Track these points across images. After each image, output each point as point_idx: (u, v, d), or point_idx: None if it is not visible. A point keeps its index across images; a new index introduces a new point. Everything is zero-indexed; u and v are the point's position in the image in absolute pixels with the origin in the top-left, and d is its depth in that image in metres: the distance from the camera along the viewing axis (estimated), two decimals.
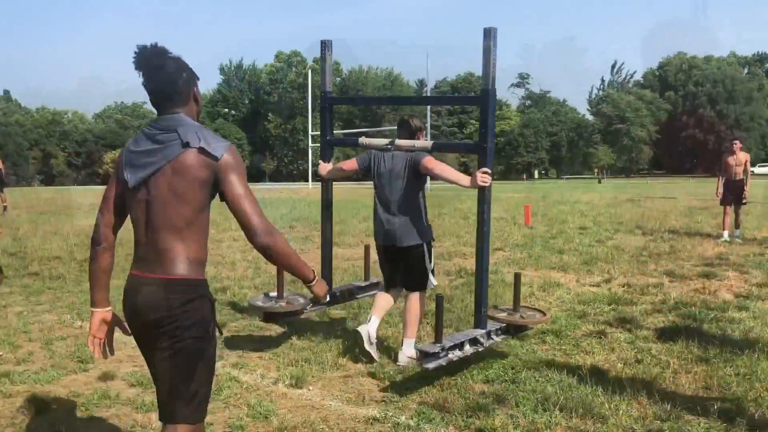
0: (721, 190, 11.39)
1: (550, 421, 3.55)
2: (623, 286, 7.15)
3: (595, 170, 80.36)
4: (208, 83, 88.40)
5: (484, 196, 4.20)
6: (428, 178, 4.65)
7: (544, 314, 4.73)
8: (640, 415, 3.63)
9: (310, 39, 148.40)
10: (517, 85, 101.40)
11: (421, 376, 4.22)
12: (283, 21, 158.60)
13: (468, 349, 4.16)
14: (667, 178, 73.94)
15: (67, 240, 10.76)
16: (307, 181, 44.07)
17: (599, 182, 52.10)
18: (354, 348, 4.77)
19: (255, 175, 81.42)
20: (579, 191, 30.33)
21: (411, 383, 4.13)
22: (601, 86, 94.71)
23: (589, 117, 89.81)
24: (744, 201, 11.37)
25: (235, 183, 2.21)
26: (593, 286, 7.28)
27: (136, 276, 2.26)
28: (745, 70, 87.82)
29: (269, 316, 4.92)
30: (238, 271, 8.17)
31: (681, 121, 77.40)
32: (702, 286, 7.20)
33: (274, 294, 4.89)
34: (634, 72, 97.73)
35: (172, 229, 2.21)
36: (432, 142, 4.64)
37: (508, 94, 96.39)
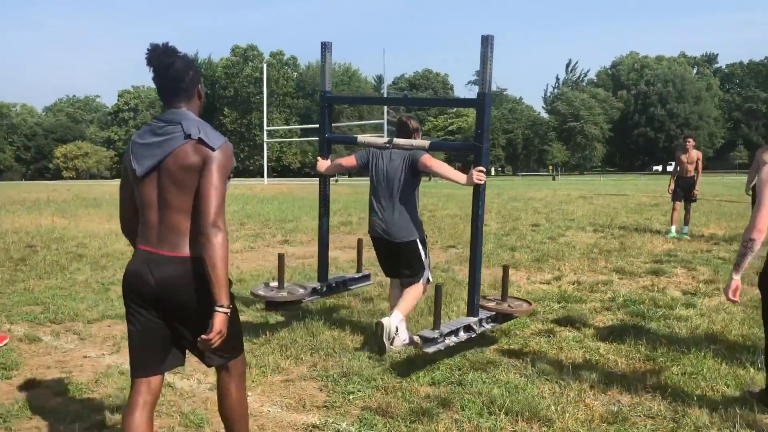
0: (672, 186, 11.56)
1: (495, 426, 3.44)
2: (573, 284, 7.13)
3: (550, 167, 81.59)
4: None
5: (478, 192, 4.41)
6: (421, 176, 4.83)
7: (530, 304, 5.06)
8: (587, 417, 3.56)
9: (268, 32, 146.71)
10: (475, 83, 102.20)
11: (365, 378, 4.09)
12: (240, 13, 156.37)
13: (462, 335, 4.41)
14: (619, 175, 75.45)
15: (4, 238, 10.30)
16: (263, 176, 43.46)
17: (554, 179, 52.86)
18: (297, 351, 4.62)
19: None
20: (534, 188, 30.66)
21: (354, 387, 3.99)
22: (556, 84, 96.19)
23: (545, 115, 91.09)
24: (694, 198, 11.55)
25: (213, 173, 2.40)
26: (543, 283, 7.25)
27: (149, 252, 2.49)
28: (695, 71, 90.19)
29: (271, 305, 5.09)
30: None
31: (633, 120, 79.07)
32: (651, 283, 7.24)
33: (274, 284, 5.02)
34: (588, 70, 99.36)
35: (179, 211, 2.45)
36: (429, 141, 4.76)
37: (465, 91, 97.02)
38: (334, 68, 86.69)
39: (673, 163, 11.60)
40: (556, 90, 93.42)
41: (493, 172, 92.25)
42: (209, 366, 2.67)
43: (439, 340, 4.16)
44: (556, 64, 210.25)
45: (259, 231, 11.61)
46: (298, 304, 5.22)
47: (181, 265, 2.46)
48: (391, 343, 4.55)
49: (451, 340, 4.28)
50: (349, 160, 4.96)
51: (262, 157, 78.77)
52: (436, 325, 4.20)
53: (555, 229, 11.92)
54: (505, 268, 4.98)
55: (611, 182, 42.38)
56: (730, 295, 3.47)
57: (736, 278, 3.46)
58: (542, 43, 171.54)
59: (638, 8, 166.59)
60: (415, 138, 4.79)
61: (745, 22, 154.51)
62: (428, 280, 4.84)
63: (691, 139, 11.74)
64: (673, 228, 11.35)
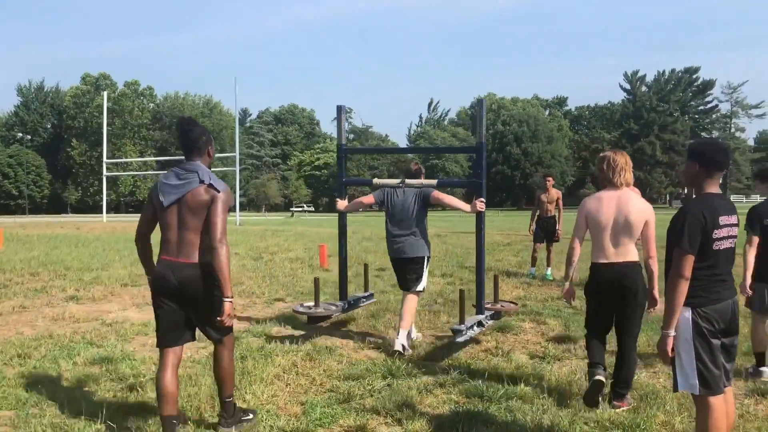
0: (533, 226, 10.95)
1: None
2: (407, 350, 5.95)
3: None
4: (2, 105, 79.34)
5: (481, 217, 6.03)
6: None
7: (515, 304, 6.98)
8: None
9: (120, 62, 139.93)
10: None
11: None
12: (91, 42, 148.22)
13: (476, 329, 5.90)
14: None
15: None
16: (100, 213, 39.89)
17: (291, 216, 53.04)
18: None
19: (57, 206, 73.90)
20: None
21: None
22: (419, 123, 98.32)
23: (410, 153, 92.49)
24: (557, 238, 10.98)
25: (219, 208, 3.70)
26: (372, 349, 6.01)
27: (171, 261, 3.72)
28: (547, 112, 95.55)
29: (312, 320, 6.46)
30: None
31: (491, 158, 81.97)
32: (495, 344, 6.20)
33: (308, 303, 6.53)
34: (449, 110, 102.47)
35: (193, 231, 3.71)
36: (437, 180, 6.23)
37: (332, 127, 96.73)
38: (193, 100, 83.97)
39: (535, 203, 11.00)
40: (419, 128, 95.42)
41: (360, 209, 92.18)
42: (210, 339, 3.91)
43: (465, 332, 5.55)
44: (419, 103, 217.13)
45: (47, 283, 9.57)
46: (330, 317, 6.63)
47: (193, 269, 3.71)
48: (404, 350, 5.70)
49: (473, 332, 5.79)
50: (369, 199, 6.23)
51: (114, 192, 74.09)
52: (462, 320, 5.66)
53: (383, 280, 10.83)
54: (496, 278, 6.96)
55: (469, 219, 42.93)
56: (567, 298, 4.86)
57: (567, 283, 4.82)
58: (406, 80, 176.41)
59: (495, 51, 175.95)
60: (420, 178, 6.21)
61: (591, 69, 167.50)
62: (423, 289, 6.17)
63: (550, 178, 11.22)
64: (533, 269, 10.72)
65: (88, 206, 73.54)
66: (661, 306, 3.84)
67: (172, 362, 3.79)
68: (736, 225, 3.33)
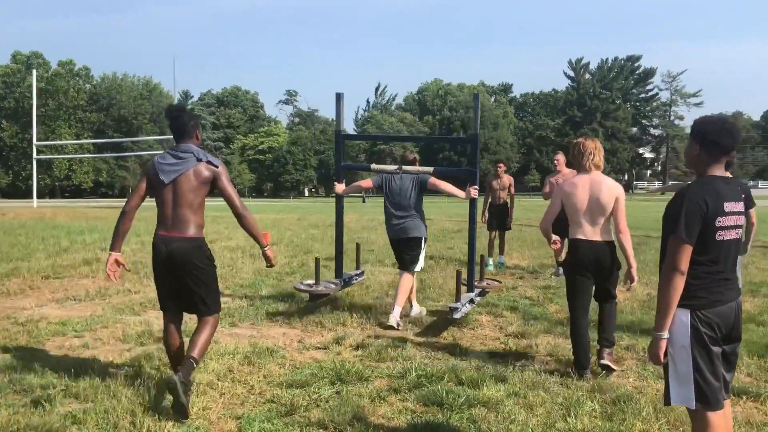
0: (486, 215, 10.53)
1: None
2: (356, 349, 5.42)
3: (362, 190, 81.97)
4: None
5: (473, 204, 6.59)
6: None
7: (500, 282, 7.44)
8: None
9: (54, 41, 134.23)
10: (286, 102, 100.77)
11: None
12: (23, 19, 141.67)
13: (469, 306, 6.25)
14: (428, 197, 77.58)
15: None
16: (31, 198, 37.95)
17: (364, 201, 52.43)
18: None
19: None
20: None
21: None
22: (367, 108, 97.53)
23: None
24: (508, 226, 10.60)
25: (226, 183, 4.13)
26: (319, 348, 5.47)
27: (165, 235, 4.04)
28: (492, 99, 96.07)
29: (313, 297, 6.86)
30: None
31: (438, 144, 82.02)
32: (452, 340, 5.75)
33: (309, 281, 6.89)
34: (396, 95, 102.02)
35: (188, 208, 4.04)
36: (433, 168, 6.48)
37: (276, 111, 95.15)
38: (132, 81, 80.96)
39: (486, 190, 10.53)
40: (366, 112, 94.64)
41: (306, 193, 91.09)
42: (196, 313, 4.22)
43: (461, 309, 5.82)
44: (366, 87, 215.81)
45: None
46: (329, 295, 6.98)
47: (184, 242, 4.03)
48: (397, 326, 6.05)
49: (466, 308, 6.08)
50: (367, 183, 6.55)
51: (48, 176, 70.82)
52: (458, 298, 5.98)
53: (349, 264, 10.27)
54: (482, 258, 7.27)
55: (434, 203, 42.62)
56: (552, 245, 5.24)
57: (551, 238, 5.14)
58: (354, 65, 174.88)
59: (442, 37, 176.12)
60: (416, 165, 6.65)
61: (535, 58, 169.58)
62: (420, 269, 6.55)
63: (501, 164, 10.81)
64: (490, 260, 10.32)
65: (21, 191, 70.11)
66: (637, 283, 4.88)
67: (173, 324, 4.27)
68: (743, 213, 2.91)
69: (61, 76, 73.32)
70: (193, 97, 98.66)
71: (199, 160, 4.06)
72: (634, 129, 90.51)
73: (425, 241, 6.45)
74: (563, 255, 9.85)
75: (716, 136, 2.83)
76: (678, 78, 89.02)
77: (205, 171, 4.06)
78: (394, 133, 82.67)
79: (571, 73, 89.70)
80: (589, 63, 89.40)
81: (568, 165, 10.14)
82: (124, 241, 4.30)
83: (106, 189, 74.43)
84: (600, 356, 4.86)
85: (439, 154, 79.64)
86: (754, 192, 6.76)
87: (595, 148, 4.91)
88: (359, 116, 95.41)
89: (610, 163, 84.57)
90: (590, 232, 4.83)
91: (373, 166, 6.87)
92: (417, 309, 6.71)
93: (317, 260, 6.87)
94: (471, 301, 6.30)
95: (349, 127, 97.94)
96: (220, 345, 5.41)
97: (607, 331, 4.94)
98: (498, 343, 5.73)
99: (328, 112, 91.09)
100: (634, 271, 4.81)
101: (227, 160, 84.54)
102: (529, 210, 28.47)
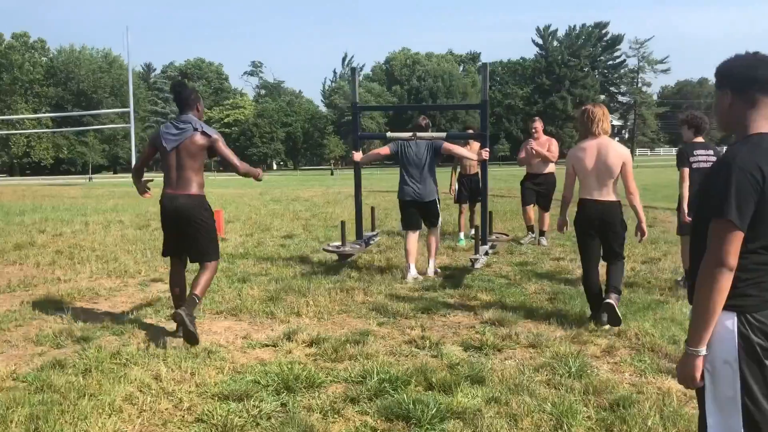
0: (455, 185, 9.81)
1: None
2: (310, 346, 4.68)
3: (331, 161, 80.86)
4: None
5: (485, 166, 7.75)
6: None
7: (507, 235, 8.81)
8: None
9: (8, 12, 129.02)
10: (251, 73, 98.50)
11: None
12: None
13: (485, 257, 7.17)
14: (396, 168, 76.77)
15: None
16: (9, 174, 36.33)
17: (332, 174, 51.45)
18: None
19: None
20: (307, 185, 28.51)
21: None
22: (334, 78, 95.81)
23: (323, 108, 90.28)
24: (479, 198, 9.90)
25: (223, 148, 4.84)
26: (266, 346, 4.71)
27: (171, 193, 4.78)
28: (461, 68, 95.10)
29: (342, 257, 7.53)
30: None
31: (407, 114, 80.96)
32: (420, 331, 5.03)
33: (335, 243, 7.60)
34: (363, 65, 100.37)
35: (190, 170, 4.75)
36: (446, 134, 7.82)
37: (241, 82, 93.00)
38: (90, 54, 78.01)
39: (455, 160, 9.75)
40: (333, 83, 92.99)
41: (274, 167, 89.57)
42: (197, 260, 4.96)
43: (481, 259, 6.88)
44: (333, 58, 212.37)
45: None
46: (353, 255, 7.69)
47: (187, 199, 4.75)
48: (432, 275, 7.01)
49: (486, 257, 7.21)
50: (384, 150, 7.20)
51: (5, 154, 68.21)
52: (477, 250, 7.03)
53: (310, 242, 9.51)
54: (490, 214, 7.90)
55: (388, 176, 41.63)
56: (561, 228, 5.68)
57: (562, 218, 5.62)
58: (320, 36, 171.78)
59: (409, 5, 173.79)
60: (428, 131, 7.45)
61: (504, 25, 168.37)
62: (441, 221, 7.37)
63: (472, 129, 10.09)
64: (461, 234, 9.63)
65: None
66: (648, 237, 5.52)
67: (177, 267, 5.01)
68: None
69: (15, 49, 70.38)
70: (155, 69, 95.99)
71: (195, 129, 4.77)
72: (602, 96, 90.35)
73: (439, 201, 7.18)
74: (546, 224, 9.38)
75: (750, 70, 2.08)
76: (645, 44, 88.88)
77: (201, 140, 4.78)
78: (361, 104, 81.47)
79: (540, 41, 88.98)
80: (557, 30, 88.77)
81: (546, 132, 9.59)
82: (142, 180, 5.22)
83: (67, 165, 72.01)
84: (606, 297, 5.10)
85: (408, 124, 78.65)
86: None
87: (603, 114, 5.26)
88: (327, 87, 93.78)
89: (578, 131, 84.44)
90: (597, 193, 5.18)
91: (390, 134, 7.67)
92: (433, 268, 7.13)
93: (342, 224, 7.73)
94: (486, 253, 7.22)
95: (316, 99, 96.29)
96: (149, 347, 4.62)
97: (615, 280, 5.20)
98: (473, 333, 5.04)
99: (294, 83, 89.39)
100: (644, 226, 5.25)
101: None
102: (501, 180, 27.90)
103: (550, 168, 9.58)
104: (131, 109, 27.18)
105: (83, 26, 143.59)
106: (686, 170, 6.26)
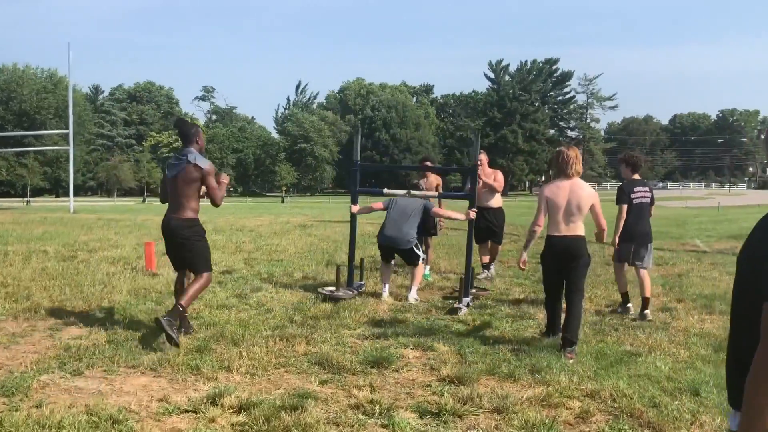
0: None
1: None
2: (238, 412, 3.95)
3: (283, 189, 79.80)
4: None
5: (471, 223, 7.57)
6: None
7: (486, 290, 8.14)
8: None
9: None
10: (202, 98, 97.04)
11: None
12: None
13: (465, 309, 6.92)
14: (349, 197, 76.19)
15: None
16: None
17: (282, 201, 50.51)
18: None
19: None
20: (256, 213, 27.58)
21: None
22: (287, 106, 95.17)
23: (276, 135, 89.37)
24: (433, 231, 9.37)
25: (210, 181, 5.45)
26: (186, 412, 3.96)
27: (168, 215, 5.52)
28: (414, 99, 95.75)
29: (333, 299, 7.17)
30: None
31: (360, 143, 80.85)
32: (369, 392, 4.35)
33: (330, 288, 7.57)
34: (317, 93, 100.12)
35: (185, 197, 5.43)
36: (438, 194, 8.53)
37: (192, 107, 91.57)
38: (34, 73, 75.48)
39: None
40: (286, 110, 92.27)
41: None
42: (191, 271, 5.73)
43: (463, 309, 6.80)
44: (287, 85, 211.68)
45: None
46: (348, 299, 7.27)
47: (180, 221, 5.48)
48: (413, 301, 7.28)
49: (465, 310, 6.85)
50: (378, 205, 7.93)
51: None
52: (460, 300, 7.02)
53: (251, 278, 8.72)
54: (472, 269, 7.71)
55: (340, 205, 41.03)
56: (521, 265, 5.90)
57: (525, 253, 5.86)
58: (274, 62, 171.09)
59: (364, 37, 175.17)
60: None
61: (456, 60, 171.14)
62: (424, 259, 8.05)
63: (428, 162, 9.63)
64: (427, 268, 9.10)
65: None
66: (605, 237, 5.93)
67: (181, 277, 5.83)
68: None
69: None
70: (103, 92, 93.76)
71: (188, 162, 5.44)
72: (552, 131, 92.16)
73: (418, 245, 7.64)
74: (495, 257, 9.01)
75: None
76: (594, 81, 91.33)
77: (193, 171, 5.44)
78: (314, 132, 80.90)
79: (492, 75, 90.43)
80: (508, 65, 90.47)
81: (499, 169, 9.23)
82: None
83: (6, 188, 69.05)
84: (564, 354, 5.28)
85: (363, 153, 78.45)
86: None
87: (576, 157, 5.61)
88: (279, 114, 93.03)
89: (529, 164, 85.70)
90: (564, 229, 5.51)
91: (386, 190, 8.13)
92: (414, 295, 7.50)
93: (338, 268, 7.65)
94: (467, 305, 7.04)
95: (268, 125, 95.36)
96: (45, 410, 3.82)
97: (570, 331, 5.42)
98: (430, 394, 4.38)
99: (246, 109, 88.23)
100: (604, 234, 5.81)
101: (137, 158, 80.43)
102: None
103: (499, 202, 9.25)
104: (71, 130, 25.86)
105: (29, 46, 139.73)
106: (625, 207, 6.90)
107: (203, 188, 5.53)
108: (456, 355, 5.26)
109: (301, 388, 4.40)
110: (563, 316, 5.63)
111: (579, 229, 5.52)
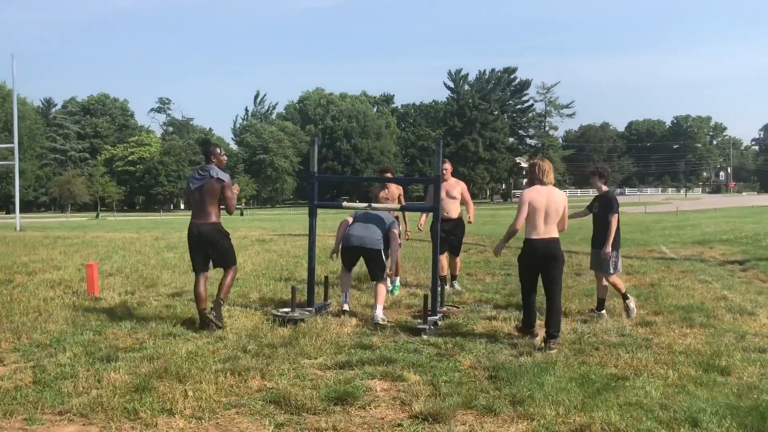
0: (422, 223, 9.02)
1: None
2: None
3: (242, 201, 78.52)
4: None
5: (436, 234, 7.08)
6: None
7: (458, 308, 7.67)
8: None
9: None
10: (158, 110, 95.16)
11: None
12: None
13: (433, 327, 6.55)
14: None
15: None
16: None
17: (242, 214, 49.52)
18: None
19: None
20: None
21: None
22: (245, 116, 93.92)
23: (234, 146, 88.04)
24: (400, 243, 8.86)
25: (228, 193, 6.51)
26: None
27: (196, 223, 6.52)
28: (375, 109, 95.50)
29: (290, 321, 6.73)
30: None
31: (321, 154, 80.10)
32: None
33: (284, 309, 7.09)
34: (276, 103, 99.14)
35: (210, 205, 6.46)
36: (401, 205, 8.64)
37: (148, 119, 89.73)
38: None
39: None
40: (245, 121, 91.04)
41: (182, 206, 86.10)
42: (221, 267, 6.72)
43: (428, 331, 6.37)
44: (245, 95, 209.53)
45: None
46: (304, 321, 6.76)
47: (208, 227, 6.45)
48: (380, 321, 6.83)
49: (433, 330, 6.49)
50: (349, 220, 7.60)
51: None
52: (424, 321, 6.58)
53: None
54: (443, 281, 8.16)
55: (301, 216, 40.25)
56: (496, 253, 6.67)
57: (503, 248, 6.50)
58: (231, 73, 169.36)
59: (324, 46, 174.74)
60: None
61: (416, 70, 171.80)
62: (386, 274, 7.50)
63: (389, 173, 9.15)
64: (397, 280, 8.84)
65: None
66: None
67: (202, 279, 6.59)
68: None
69: None
70: (56, 105, 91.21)
71: (211, 177, 6.44)
72: (512, 139, 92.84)
73: (385, 255, 7.38)
74: (458, 268, 8.68)
75: None
76: (552, 90, 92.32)
77: (215, 184, 6.45)
78: (274, 143, 79.90)
79: (452, 84, 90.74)
80: (468, 74, 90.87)
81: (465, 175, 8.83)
82: None
83: None
84: (548, 347, 5.81)
85: (323, 164, 77.73)
86: (622, 199, 8.12)
87: (549, 168, 6.25)
88: (238, 125, 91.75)
89: (489, 173, 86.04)
90: (543, 232, 6.04)
91: (345, 204, 8.13)
92: (380, 314, 7.00)
93: (293, 289, 7.28)
94: (435, 323, 6.67)
95: (226, 136, 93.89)
96: None
97: (553, 326, 5.96)
98: None
99: (203, 121, 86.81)
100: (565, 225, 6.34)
101: (91, 173, 78.27)
102: (415, 221, 27.04)
103: (458, 211, 8.92)
104: (15, 144, 24.68)
105: None
106: (616, 216, 7.31)
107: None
108: (428, 386, 4.75)
109: None
110: (538, 315, 6.33)
111: (555, 231, 6.08)
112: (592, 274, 8.11)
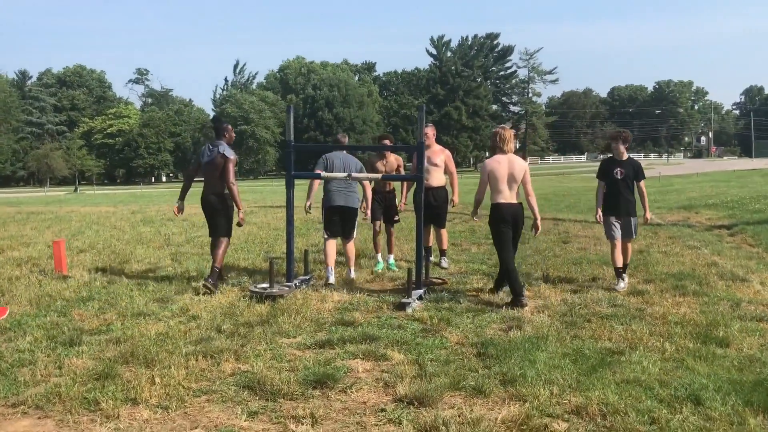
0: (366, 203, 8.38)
1: None
2: None
3: None
4: None
5: (419, 206, 6.96)
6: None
7: (444, 281, 7.41)
8: None
9: None
10: (136, 82, 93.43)
11: None
12: None
13: (418, 301, 6.36)
14: None
15: None
16: None
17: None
18: None
19: None
20: (192, 201, 26.18)
21: None
22: (225, 86, 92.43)
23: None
24: (397, 218, 8.52)
25: (230, 167, 7.12)
26: None
27: (205, 192, 7.21)
28: (357, 77, 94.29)
29: (268, 297, 6.42)
30: None
31: (302, 124, 79.12)
32: (309, 425, 3.51)
33: (263, 284, 6.78)
34: (256, 73, 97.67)
35: (217, 179, 7.14)
36: (381, 175, 8.05)
37: (126, 91, 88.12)
38: None
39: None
40: (225, 91, 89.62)
41: (163, 179, 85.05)
42: (216, 234, 7.23)
43: (413, 304, 6.13)
44: (225, 65, 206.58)
45: None
46: (284, 297, 6.50)
47: (215, 196, 7.17)
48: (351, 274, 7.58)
49: (416, 304, 6.23)
50: (316, 183, 8.11)
51: None
52: (408, 295, 6.28)
53: (176, 279, 7.69)
54: (425, 257, 7.45)
55: (283, 188, 39.79)
56: (475, 218, 7.10)
57: (476, 211, 6.95)
58: (210, 42, 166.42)
59: (304, 14, 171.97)
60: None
61: (398, 37, 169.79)
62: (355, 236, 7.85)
63: (387, 141, 8.65)
64: (379, 256, 8.46)
65: None
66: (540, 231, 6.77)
67: (215, 241, 7.22)
68: None
69: None
70: (31, 77, 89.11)
71: (219, 152, 7.14)
72: (495, 106, 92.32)
73: (356, 214, 7.72)
74: (445, 242, 8.24)
75: None
76: (535, 56, 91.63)
77: (220, 159, 7.11)
78: (255, 113, 78.82)
79: (434, 51, 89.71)
80: (450, 41, 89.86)
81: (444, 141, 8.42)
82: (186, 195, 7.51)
83: None
84: (518, 305, 6.15)
85: (305, 134, 76.89)
86: None
87: (510, 136, 6.59)
88: (218, 95, 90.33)
89: (473, 140, 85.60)
90: (509, 196, 6.43)
91: (324, 174, 7.44)
92: (353, 274, 7.63)
93: (271, 263, 6.92)
94: (420, 297, 6.53)
95: (206, 107, 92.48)
96: None
97: (517, 287, 6.27)
98: (384, 422, 3.58)
99: (183, 92, 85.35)
100: (539, 223, 6.66)
101: (69, 147, 76.87)
102: (399, 192, 26.73)
103: (441, 180, 8.27)
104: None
105: None
106: (603, 183, 7.34)
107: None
108: (413, 366, 4.46)
109: (224, 425, 3.53)
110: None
111: (517, 196, 6.51)
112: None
